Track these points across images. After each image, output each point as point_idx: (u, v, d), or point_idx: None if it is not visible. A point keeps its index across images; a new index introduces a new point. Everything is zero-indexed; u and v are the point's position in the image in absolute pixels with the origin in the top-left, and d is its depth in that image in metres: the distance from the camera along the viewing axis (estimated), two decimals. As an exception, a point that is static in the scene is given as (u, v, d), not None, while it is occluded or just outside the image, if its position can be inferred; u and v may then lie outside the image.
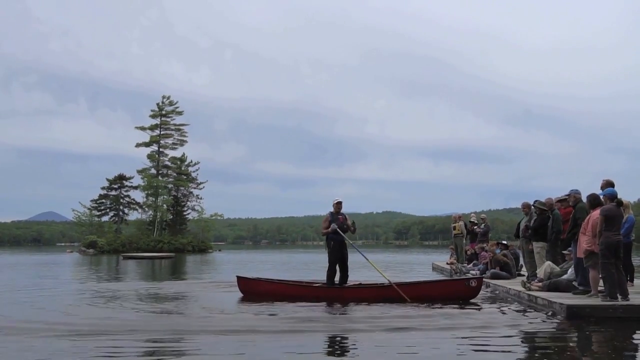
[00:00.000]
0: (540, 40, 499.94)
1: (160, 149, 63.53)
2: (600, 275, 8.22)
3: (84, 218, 63.04)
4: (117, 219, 64.10)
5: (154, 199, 62.34)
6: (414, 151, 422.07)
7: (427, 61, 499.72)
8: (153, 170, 62.96)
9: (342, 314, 8.77)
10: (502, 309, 8.93)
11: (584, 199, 9.19)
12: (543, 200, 11.10)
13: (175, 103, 64.81)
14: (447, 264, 18.35)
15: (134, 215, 65.57)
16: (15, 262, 31.55)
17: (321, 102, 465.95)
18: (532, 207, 11.25)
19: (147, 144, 62.86)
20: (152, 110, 64.23)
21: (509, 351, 5.79)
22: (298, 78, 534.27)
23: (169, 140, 63.92)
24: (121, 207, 64.46)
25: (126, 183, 64.47)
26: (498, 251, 13.41)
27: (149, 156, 62.87)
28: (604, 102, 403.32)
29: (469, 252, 16.69)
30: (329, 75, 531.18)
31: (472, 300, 9.93)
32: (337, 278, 10.82)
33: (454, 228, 17.73)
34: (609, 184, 8.81)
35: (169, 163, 64.24)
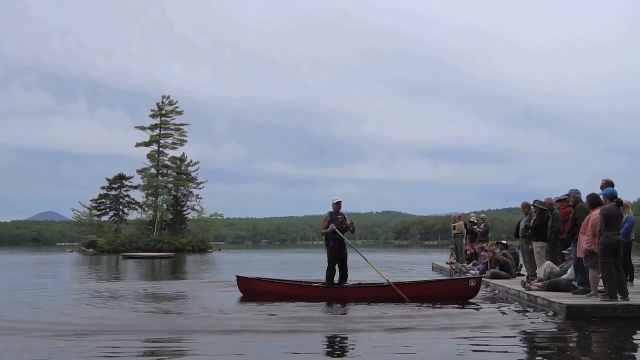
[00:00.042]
0: (540, 40, 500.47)
1: (160, 149, 63.54)
2: (600, 275, 8.21)
3: (84, 218, 63.06)
4: (117, 219, 64.10)
5: (154, 199, 62.35)
6: (414, 151, 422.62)
7: (427, 61, 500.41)
8: (153, 170, 62.99)
9: (342, 314, 8.75)
10: (502, 309, 8.91)
11: (584, 199, 9.18)
12: (543, 200, 11.10)
13: (175, 103, 64.92)
14: (447, 264, 18.35)
15: (134, 215, 65.73)
16: (15, 262, 31.54)
17: (321, 102, 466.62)
18: (532, 207, 11.25)
19: (147, 144, 62.88)
20: (152, 110, 64.32)
21: (509, 351, 5.78)
22: (298, 78, 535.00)
23: (169, 140, 63.99)
24: (121, 207, 64.48)
25: (126, 183, 64.54)
26: (498, 251, 13.41)
27: (149, 156, 62.89)
28: (604, 102, 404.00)
29: (469, 252, 16.69)
30: (329, 75, 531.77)
31: (473, 301, 9.92)
32: (336, 278, 10.82)
33: (454, 228, 17.73)
34: (608, 184, 8.80)
35: (169, 163, 64.28)
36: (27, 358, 5.59)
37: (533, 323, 7.44)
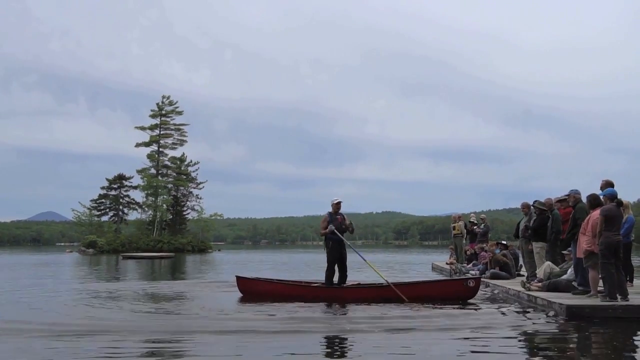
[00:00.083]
0: (540, 40, 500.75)
1: (160, 149, 63.51)
2: (599, 276, 8.21)
3: (83, 218, 63.08)
4: (116, 219, 64.09)
5: (153, 199, 62.35)
6: (413, 151, 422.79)
7: (427, 61, 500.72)
8: (153, 170, 62.98)
9: (341, 314, 8.74)
10: (502, 309, 8.90)
11: (584, 199, 9.18)
12: (542, 200, 11.10)
13: (175, 103, 64.91)
14: (447, 264, 18.35)
15: (133, 215, 65.74)
16: (14, 262, 31.52)
17: (321, 102, 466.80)
18: (532, 207, 11.24)
19: (146, 144, 62.85)
20: (151, 110, 64.31)
21: (509, 352, 5.77)
22: (298, 78, 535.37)
23: (169, 140, 63.98)
24: (121, 207, 64.48)
25: (126, 183, 64.55)
26: (498, 251, 13.40)
27: (149, 156, 62.86)
28: (604, 102, 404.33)
29: (468, 252, 16.69)
30: (329, 75, 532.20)
31: (473, 301, 9.92)
32: (336, 278, 10.81)
33: (454, 228, 17.73)
34: (608, 184, 8.80)
35: (168, 163, 64.25)
36: (26, 358, 5.58)
37: (533, 323, 7.44)
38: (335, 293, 10.45)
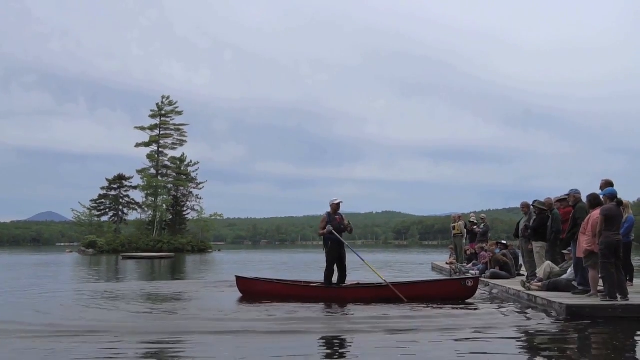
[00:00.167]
0: (540, 41, 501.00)
1: (160, 149, 63.51)
2: (599, 275, 8.20)
3: (83, 218, 63.11)
4: (116, 219, 64.08)
5: (153, 199, 62.35)
6: (413, 151, 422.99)
7: (427, 61, 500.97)
8: (152, 170, 62.99)
9: (340, 314, 8.73)
10: (502, 309, 8.89)
11: (584, 199, 9.17)
12: (542, 200, 11.09)
13: (175, 103, 64.91)
14: (447, 263, 18.36)
15: (133, 215, 65.76)
16: (14, 262, 31.51)
17: (321, 103, 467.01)
18: (531, 207, 11.23)
19: (146, 144, 62.85)
20: (151, 110, 64.32)
21: (509, 352, 5.76)
22: (298, 78, 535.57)
23: (169, 140, 63.98)
24: (121, 207, 64.48)
25: (126, 183, 64.56)
26: (497, 251, 13.39)
27: (149, 156, 62.85)
28: (604, 102, 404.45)
29: (468, 252, 16.68)
30: (329, 75, 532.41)
31: (473, 301, 9.90)
32: (335, 278, 10.80)
33: (454, 228, 17.71)
34: (608, 184, 8.79)
35: (168, 163, 64.25)
36: (24, 359, 5.56)
37: (532, 323, 7.42)
38: (335, 293, 10.44)
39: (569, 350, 6.03)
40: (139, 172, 62.78)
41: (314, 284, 11.12)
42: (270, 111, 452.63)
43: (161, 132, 63.52)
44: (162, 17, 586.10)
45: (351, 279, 11.45)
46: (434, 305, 9.30)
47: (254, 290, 11.05)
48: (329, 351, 6.15)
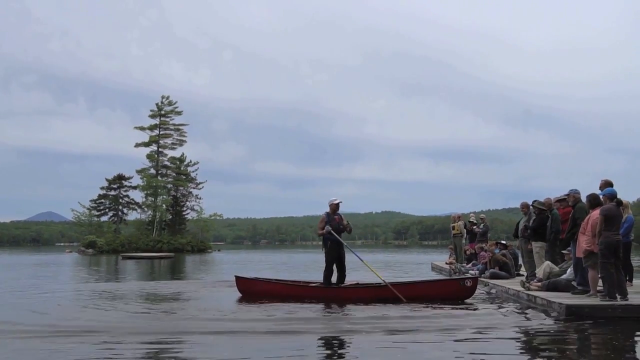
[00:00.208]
0: (540, 41, 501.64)
1: (160, 149, 63.46)
2: (599, 275, 8.19)
3: (83, 218, 63.08)
4: (116, 219, 64.05)
5: (153, 199, 62.31)
6: (413, 151, 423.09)
7: (427, 61, 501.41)
8: (152, 170, 62.94)
9: (340, 314, 8.72)
10: (502, 309, 8.89)
11: (583, 199, 9.16)
12: (542, 200, 11.09)
13: (175, 103, 64.85)
14: (446, 263, 18.36)
15: (133, 215, 65.72)
16: (13, 262, 31.50)
17: (321, 102, 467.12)
18: (531, 207, 11.23)
19: (146, 144, 62.80)
20: (151, 111, 64.24)
21: (509, 352, 5.76)
22: (298, 78, 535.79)
23: (168, 140, 63.92)
24: (120, 207, 64.44)
25: (125, 183, 64.51)
26: (497, 251, 13.39)
27: (148, 156, 62.80)
28: (604, 102, 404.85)
29: (468, 252, 16.67)
30: (329, 75, 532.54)
31: (473, 301, 9.90)
32: (334, 278, 10.79)
33: (453, 228, 17.71)
34: (607, 184, 8.79)
35: (168, 163, 64.21)
36: (23, 359, 5.56)
37: (532, 323, 7.42)
38: (334, 293, 10.43)
39: (569, 350, 6.03)
40: (138, 172, 62.82)
41: (314, 284, 11.12)
42: (270, 111, 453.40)
43: (161, 132, 63.47)
44: (162, 17, 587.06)
45: (350, 279, 11.45)
46: (434, 306, 9.29)
47: (253, 291, 11.04)
48: (328, 351, 6.15)
